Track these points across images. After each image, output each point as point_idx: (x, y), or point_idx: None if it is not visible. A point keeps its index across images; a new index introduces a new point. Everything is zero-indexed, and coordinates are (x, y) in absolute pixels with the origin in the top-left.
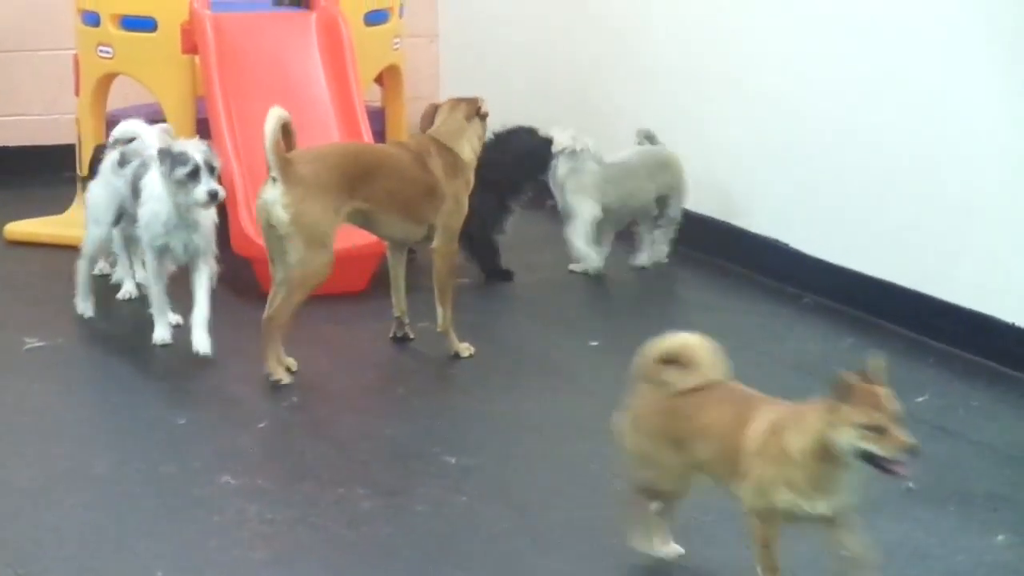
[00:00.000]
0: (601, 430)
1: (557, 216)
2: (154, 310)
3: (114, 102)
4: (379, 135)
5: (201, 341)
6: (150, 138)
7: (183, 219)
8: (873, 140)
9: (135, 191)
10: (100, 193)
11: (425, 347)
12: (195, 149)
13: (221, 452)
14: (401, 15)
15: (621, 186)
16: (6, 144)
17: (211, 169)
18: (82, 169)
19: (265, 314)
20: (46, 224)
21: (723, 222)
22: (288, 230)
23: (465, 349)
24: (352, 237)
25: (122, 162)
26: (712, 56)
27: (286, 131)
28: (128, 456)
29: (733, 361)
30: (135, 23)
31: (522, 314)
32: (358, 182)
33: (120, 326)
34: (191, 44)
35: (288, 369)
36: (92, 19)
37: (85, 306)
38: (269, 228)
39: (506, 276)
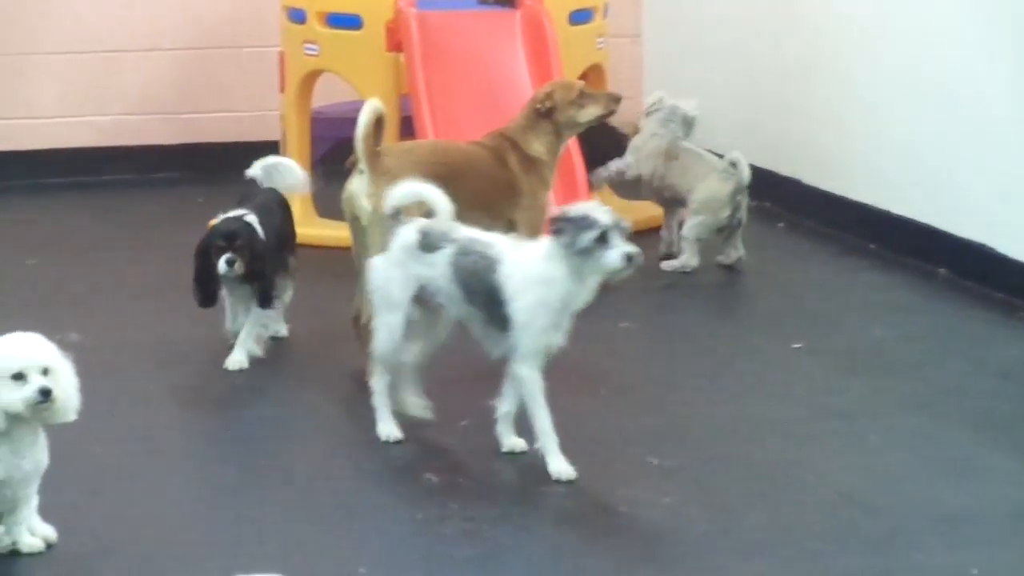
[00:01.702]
0: (804, 433)
1: None
2: (504, 427)
3: (318, 99)
4: (582, 135)
5: None
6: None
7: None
8: None
9: (480, 289)
10: (393, 276)
11: (626, 347)
12: (595, 210)
13: (423, 450)
14: (605, 15)
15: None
16: (213, 140)
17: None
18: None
19: (353, 313)
20: None
21: (924, 224)
22: (369, 221)
23: None
24: None
25: (427, 246)
26: (919, 60)
27: (379, 124)
28: (331, 454)
29: (941, 368)
30: (341, 20)
31: (713, 315)
32: (444, 180)
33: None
34: (396, 42)
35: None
36: (299, 16)
37: (389, 429)
38: (353, 219)
39: None
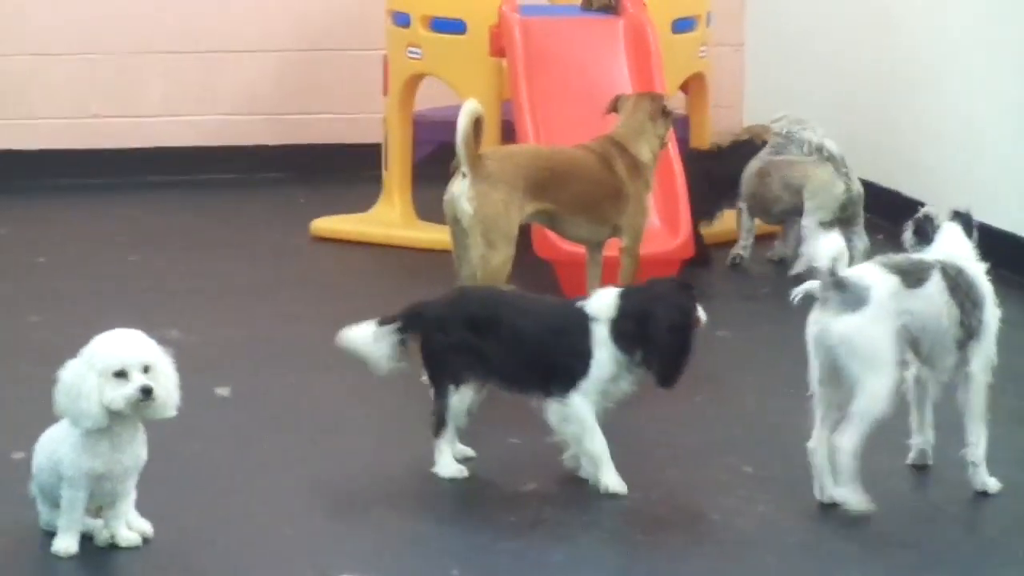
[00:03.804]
0: (901, 445)
1: None
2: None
3: (421, 102)
4: (683, 143)
5: None
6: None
7: None
8: None
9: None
10: (876, 333)
11: (723, 355)
12: None
13: (518, 456)
14: (708, 23)
15: None
16: (315, 141)
17: None
18: (386, 167)
19: None
20: (351, 221)
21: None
22: (470, 223)
23: None
24: (649, 243)
25: (914, 281)
26: (1015, 73)
27: (478, 126)
28: (426, 457)
29: None
30: (445, 25)
31: None
32: (546, 184)
33: None
34: (499, 47)
35: None
36: (403, 20)
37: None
38: (455, 222)
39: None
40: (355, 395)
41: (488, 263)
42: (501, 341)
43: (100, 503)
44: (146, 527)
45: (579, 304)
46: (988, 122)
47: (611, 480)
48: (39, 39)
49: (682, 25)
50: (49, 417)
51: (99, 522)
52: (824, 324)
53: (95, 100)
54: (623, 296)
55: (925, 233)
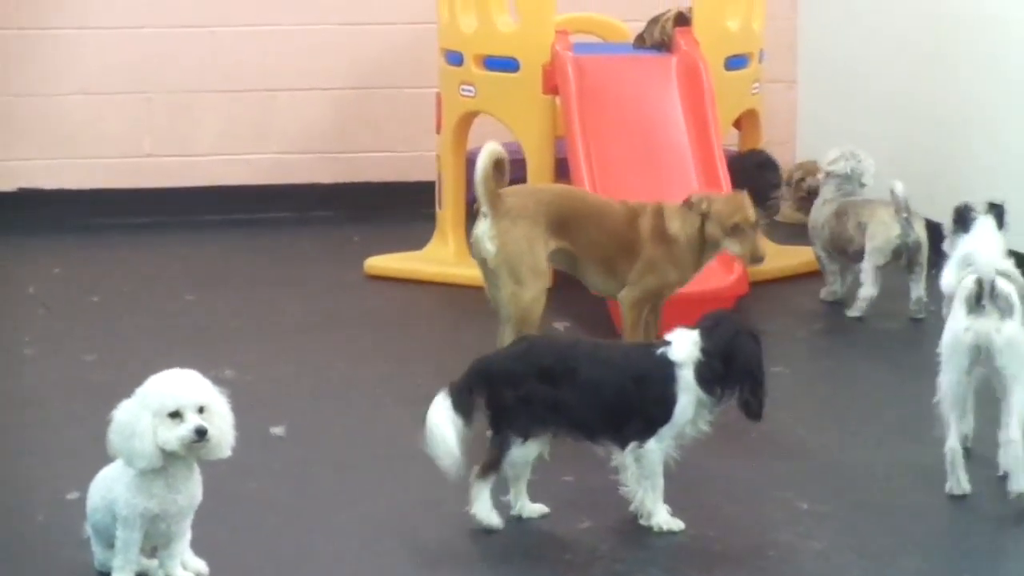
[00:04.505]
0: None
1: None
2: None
3: (474, 140)
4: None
5: None
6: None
7: None
8: None
9: None
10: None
11: (778, 391)
12: None
13: (574, 493)
14: (761, 60)
15: None
16: (369, 179)
17: None
18: (440, 205)
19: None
20: (405, 260)
21: None
22: (495, 262)
23: None
24: (704, 280)
25: (987, 295)
26: None
27: (500, 168)
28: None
29: None
30: (499, 64)
31: (869, 360)
32: (566, 223)
33: None
34: (552, 85)
35: None
36: (456, 59)
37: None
38: (482, 263)
39: None
40: (410, 432)
41: (519, 300)
42: (578, 391)
43: (155, 543)
44: (201, 567)
45: (660, 350)
46: None
47: (664, 518)
48: (93, 79)
49: (735, 63)
50: (104, 457)
51: (154, 562)
52: (984, 330)
53: (149, 139)
54: (703, 337)
55: (964, 222)
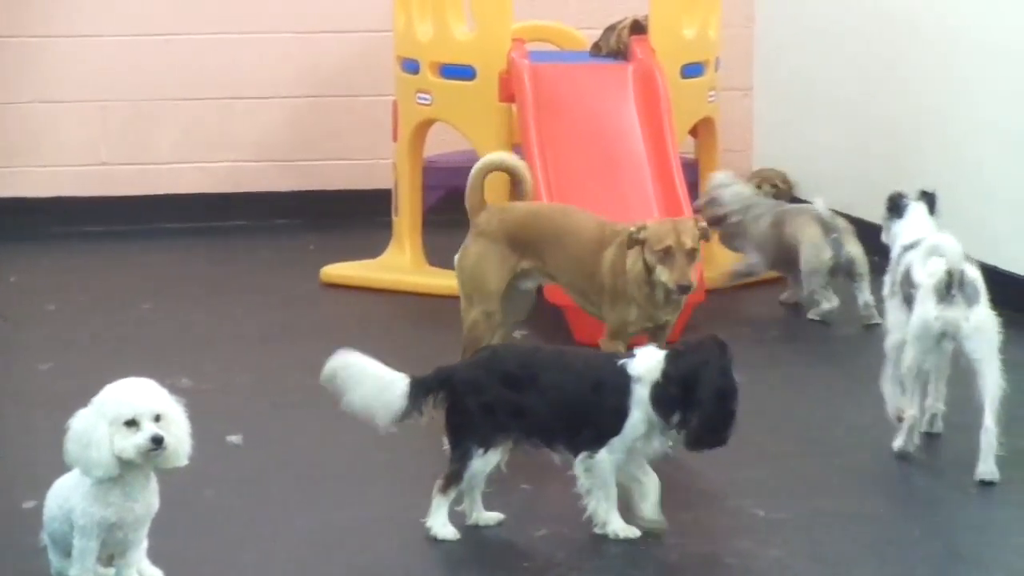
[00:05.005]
0: (909, 491)
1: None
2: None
3: (430, 148)
4: (692, 187)
5: None
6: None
7: None
8: None
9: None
10: (994, 320)
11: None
12: None
13: (531, 501)
14: (717, 68)
15: None
16: (325, 187)
17: None
18: (396, 213)
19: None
20: (361, 268)
21: None
22: (456, 277)
23: None
24: None
25: (957, 285)
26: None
27: (517, 178)
28: None
29: None
30: (455, 71)
31: (828, 367)
32: (531, 243)
33: None
34: (509, 93)
35: None
36: (412, 67)
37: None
38: None
39: None
40: (368, 442)
41: (464, 318)
42: (539, 394)
43: (112, 551)
44: (158, 575)
45: (621, 361)
46: (997, 167)
47: (619, 526)
48: (49, 87)
49: (691, 70)
50: (60, 466)
51: (111, 571)
52: (952, 318)
53: (105, 147)
54: (668, 360)
55: (898, 208)
